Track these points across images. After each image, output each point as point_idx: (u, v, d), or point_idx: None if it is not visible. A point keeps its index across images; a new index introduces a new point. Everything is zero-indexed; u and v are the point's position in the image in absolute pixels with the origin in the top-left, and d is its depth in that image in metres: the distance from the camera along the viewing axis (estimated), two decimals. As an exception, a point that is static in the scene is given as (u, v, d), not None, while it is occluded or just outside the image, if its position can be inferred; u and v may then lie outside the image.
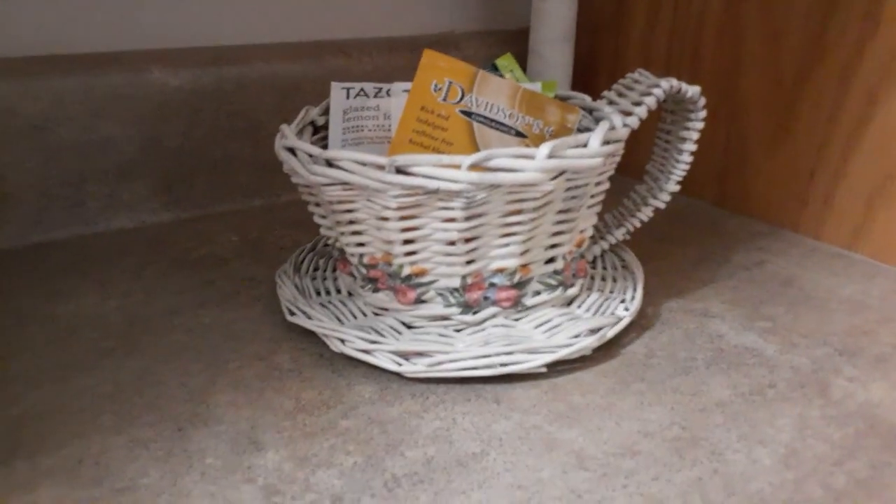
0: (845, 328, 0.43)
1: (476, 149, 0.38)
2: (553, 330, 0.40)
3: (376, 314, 0.41)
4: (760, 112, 0.57)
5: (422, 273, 0.39)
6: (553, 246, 0.40)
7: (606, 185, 0.41)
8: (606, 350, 0.40)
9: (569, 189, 0.38)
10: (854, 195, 0.52)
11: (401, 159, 0.35)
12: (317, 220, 0.42)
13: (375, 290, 0.40)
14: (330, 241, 0.43)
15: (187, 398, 0.36)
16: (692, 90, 0.41)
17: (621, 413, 0.35)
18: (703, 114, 0.42)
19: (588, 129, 0.41)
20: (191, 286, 0.47)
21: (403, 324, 0.40)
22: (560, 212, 0.39)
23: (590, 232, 0.43)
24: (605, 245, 0.47)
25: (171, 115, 0.56)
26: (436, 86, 0.38)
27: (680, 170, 0.44)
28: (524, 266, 0.39)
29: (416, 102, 0.38)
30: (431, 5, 0.69)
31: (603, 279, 0.46)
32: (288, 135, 0.39)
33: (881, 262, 0.52)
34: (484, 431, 0.34)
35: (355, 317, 0.41)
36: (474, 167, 0.34)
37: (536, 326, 0.40)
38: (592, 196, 0.41)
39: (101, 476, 0.31)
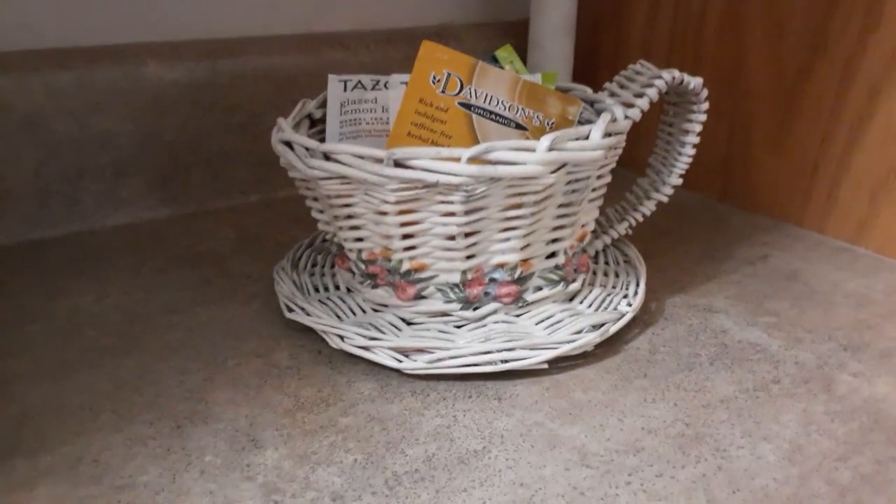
0: (850, 323, 0.43)
1: (475, 141, 0.38)
2: (555, 326, 0.39)
3: (375, 310, 0.41)
4: (763, 106, 0.56)
5: (421, 268, 0.38)
6: (554, 240, 0.40)
7: (608, 179, 0.41)
8: (609, 346, 0.40)
9: (570, 182, 0.38)
10: (858, 189, 0.52)
11: (399, 152, 0.34)
12: (315, 214, 0.41)
13: (374, 286, 0.40)
14: (328, 237, 0.43)
15: (186, 396, 0.36)
16: (694, 81, 0.40)
17: (624, 410, 0.35)
18: (705, 106, 0.42)
19: (589, 122, 0.41)
20: (189, 283, 0.47)
21: (403, 320, 0.40)
22: (561, 205, 0.39)
23: (591, 226, 0.42)
24: (608, 239, 0.47)
25: (167, 110, 0.56)
26: (434, 77, 0.38)
27: (682, 163, 0.44)
28: (525, 261, 0.39)
29: (414, 95, 0.38)
30: (430, -3, 0.68)
31: (605, 274, 0.45)
32: (285, 128, 0.39)
33: (886, 256, 0.51)
34: (485, 428, 0.34)
35: (354, 313, 0.41)
36: (474, 160, 0.34)
37: (538, 322, 0.40)
38: (594, 189, 0.40)
39: (100, 474, 0.31)
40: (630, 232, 0.48)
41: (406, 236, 0.37)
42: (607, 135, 0.37)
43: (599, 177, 0.40)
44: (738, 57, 0.57)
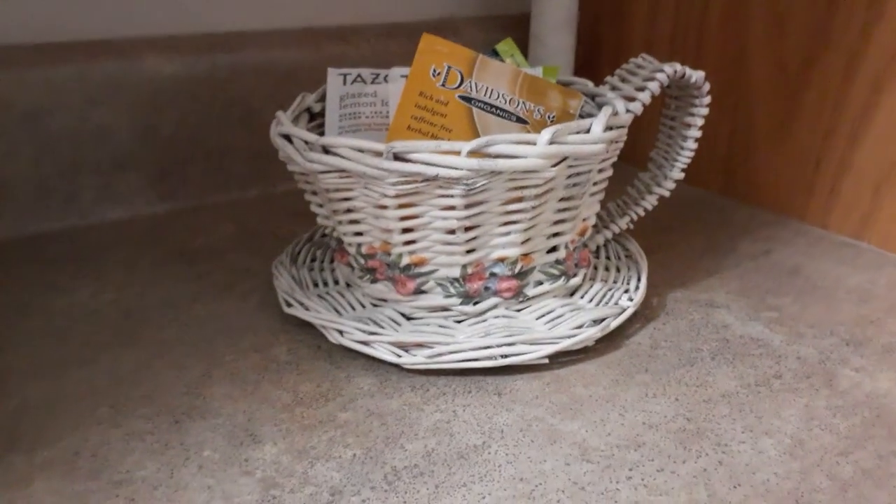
0: (852, 318, 0.43)
1: (476, 135, 0.38)
2: (555, 321, 0.39)
3: (375, 305, 0.40)
4: (765, 100, 0.56)
5: (421, 263, 0.38)
6: (555, 235, 0.40)
7: (609, 172, 0.41)
8: (610, 341, 0.40)
9: (571, 176, 0.37)
10: (861, 183, 0.51)
11: (399, 146, 0.34)
12: (314, 208, 0.41)
13: (374, 281, 0.40)
14: (327, 231, 0.42)
15: (184, 391, 0.36)
16: (696, 75, 0.40)
17: (625, 405, 0.35)
18: (707, 99, 0.42)
19: (590, 115, 0.41)
20: (186, 278, 0.47)
21: (403, 315, 0.40)
22: (562, 199, 0.38)
23: (592, 220, 0.42)
24: (609, 234, 0.47)
25: (165, 104, 0.56)
26: (434, 71, 0.37)
27: (684, 157, 0.44)
28: (526, 255, 0.39)
29: (414, 88, 0.37)
30: (431, -9, 0.68)
31: (606, 269, 0.45)
32: (284, 122, 0.38)
33: (889, 251, 0.51)
34: (485, 423, 0.34)
35: (353, 308, 0.41)
36: (474, 153, 0.34)
37: (538, 317, 0.39)
38: (595, 183, 0.40)
39: (97, 468, 0.31)
40: (631, 226, 0.47)
41: (406, 230, 0.37)
42: (608, 128, 0.37)
43: (601, 171, 0.40)
44: (741, 50, 0.57)
